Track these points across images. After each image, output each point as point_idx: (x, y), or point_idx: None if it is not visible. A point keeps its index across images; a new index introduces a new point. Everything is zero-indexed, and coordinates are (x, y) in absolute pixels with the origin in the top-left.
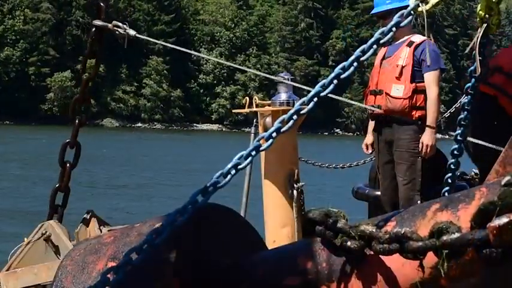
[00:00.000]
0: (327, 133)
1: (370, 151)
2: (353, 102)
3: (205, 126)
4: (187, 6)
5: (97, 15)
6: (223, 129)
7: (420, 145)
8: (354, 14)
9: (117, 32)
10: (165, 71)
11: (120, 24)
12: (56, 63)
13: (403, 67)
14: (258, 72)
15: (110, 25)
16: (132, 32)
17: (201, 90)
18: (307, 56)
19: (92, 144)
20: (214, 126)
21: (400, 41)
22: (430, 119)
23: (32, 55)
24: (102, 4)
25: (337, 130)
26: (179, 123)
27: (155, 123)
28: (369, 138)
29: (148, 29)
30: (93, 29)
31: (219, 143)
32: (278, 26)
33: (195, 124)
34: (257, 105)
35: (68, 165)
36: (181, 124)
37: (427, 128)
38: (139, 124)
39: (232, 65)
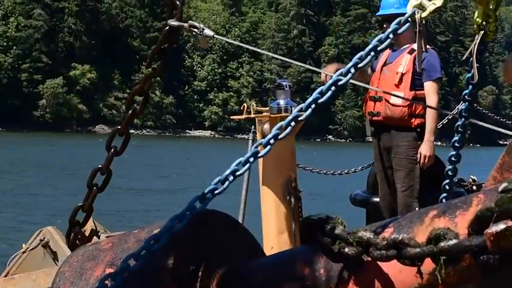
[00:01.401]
0: (319, 139)
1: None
2: (373, 88)
3: (197, 133)
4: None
5: (170, 15)
6: (216, 135)
7: (418, 155)
8: (346, 21)
9: (193, 33)
10: (157, 78)
11: (196, 24)
12: (49, 70)
13: (403, 74)
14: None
15: (185, 25)
16: (210, 33)
17: (194, 97)
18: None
19: (85, 150)
20: (207, 133)
21: (402, 48)
22: (429, 129)
23: (24, 62)
24: (178, 2)
25: (330, 136)
26: (172, 130)
27: (148, 129)
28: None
29: (141, 35)
30: (167, 28)
31: (212, 149)
32: (270, 33)
33: (187, 131)
34: (255, 112)
35: (112, 150)
36: (174, 131)
37: (425, 138)
38: (132, 130)
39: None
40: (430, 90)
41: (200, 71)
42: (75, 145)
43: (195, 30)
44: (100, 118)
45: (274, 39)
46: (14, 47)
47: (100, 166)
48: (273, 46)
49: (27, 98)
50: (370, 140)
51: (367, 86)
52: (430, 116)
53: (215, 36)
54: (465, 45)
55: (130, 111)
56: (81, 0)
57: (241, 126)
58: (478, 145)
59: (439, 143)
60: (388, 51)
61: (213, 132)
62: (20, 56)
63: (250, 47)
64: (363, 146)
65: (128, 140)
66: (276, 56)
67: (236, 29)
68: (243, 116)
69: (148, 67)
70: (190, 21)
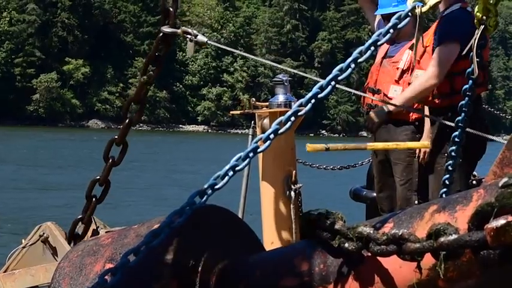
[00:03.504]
0: (312, 134)
1: None
2: (369, 96)
3: (191, 128)
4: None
5: (164, 21)
6: (209, 130)
7: (417, 151)
8: (339, 15)
9: (187, 39)
10: (151, 72)
11: (189, 30)
12: (42, 64)
13: (403, 70)
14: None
15: (179, 31)
16: (203, 39)
17: (187, 92)
18: (293, 58)
19: (79, 145)
20: (200, 128)
21: (403, 42)
22: (428, 126)
23: (17, 56)
24: (171, 9)
25: (323, 131)
26: (165, 125)
27: (141, 124)
28: None
29: (134, 30)
30: (161, 35)
31: (208, 144)
32: (264, 28)
33: (180, 125)
34: (255, 107)
35: (110, 160)
36: (167, 125)
37: (424, 135)
38: None
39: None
40: None
41: (193, 65)
42: (69, 140)
43: (189, 36)
44: (93, 113)
45: (267, 34)
46: (7, 42)
47: (98, 177)
48: (266, 41)
49: (20, 92)
50: (364, 134)
51: (359, 93)
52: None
53: (209, 42)
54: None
55: (127, 121)
56: None
57: (234, 121)
58: None
59: None
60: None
61: (206, 127)
62: (13, 51)
63: (246, 54)
64: (356, 141)
65: (125, 150)
66: (266, 61)
67: (230, 24)
68: (242, 111)
69: (144, 74)
70: (183, 28)
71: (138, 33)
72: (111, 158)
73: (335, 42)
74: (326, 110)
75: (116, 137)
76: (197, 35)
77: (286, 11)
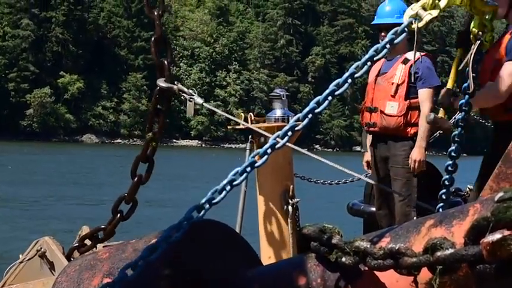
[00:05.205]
0: (306, 149)
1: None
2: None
3: (184, 142)
4: (167, 22)
5: (160, 74)
6: (203, 145)
7: (409, 160)
8: (333, 30)
9: (181, 97)
10: (144, 87)
11: (185, 89)
12: (36, 79)
13: (398, 85)
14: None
15: (175, 87)
16: (199, 100)
17: (181, 106)
18: (286, 73)
19: (73, 159)
20: (194, 142)
21: (395, 57)
22: (421, 135)
23: (11, 71)
24: (165, 63)
25: (317, 146)
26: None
27: (135, 139)
28: (369, 155)
29: (128, 45)
30: (157, 89)
31: (203, 158)
32: (258, 43)
33: (174, 140)
34: (252, 121)
35: (118, 215)
36: (161, 140)
37: (416, 144)
38: (119, 140)
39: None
40: (424, 98)
41: (187, 80)
42: (62, 154)
43: (184, 95)
44: (87, 127)
45: (261, 48)
46: (1, 57)
47: (103, 226)
48: (260, 56)
49: (14, 107)
50: (358, 149)
51: None
52: (423, 122)
53: (204, 104)
54: (452, 55)
55: (135, 179)
56: (68, 10)
57: (228, 135)
58: (464, 154)
59: (433, 153)
60: (382, 60)
61: (200, 142)
62: (7, 66)
63: (246, 123)
64: (350, 156)
65: (135, 207)
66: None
67: (224, 39)
68: (241, 126)
69: (150, 131)
70: (179, 86)
71: (132, 48)
72: (119, 212)
73: (329, 57)
74: (319, 124)
75: (126, 194)
76: (193, 95)
77: (280, 26)
